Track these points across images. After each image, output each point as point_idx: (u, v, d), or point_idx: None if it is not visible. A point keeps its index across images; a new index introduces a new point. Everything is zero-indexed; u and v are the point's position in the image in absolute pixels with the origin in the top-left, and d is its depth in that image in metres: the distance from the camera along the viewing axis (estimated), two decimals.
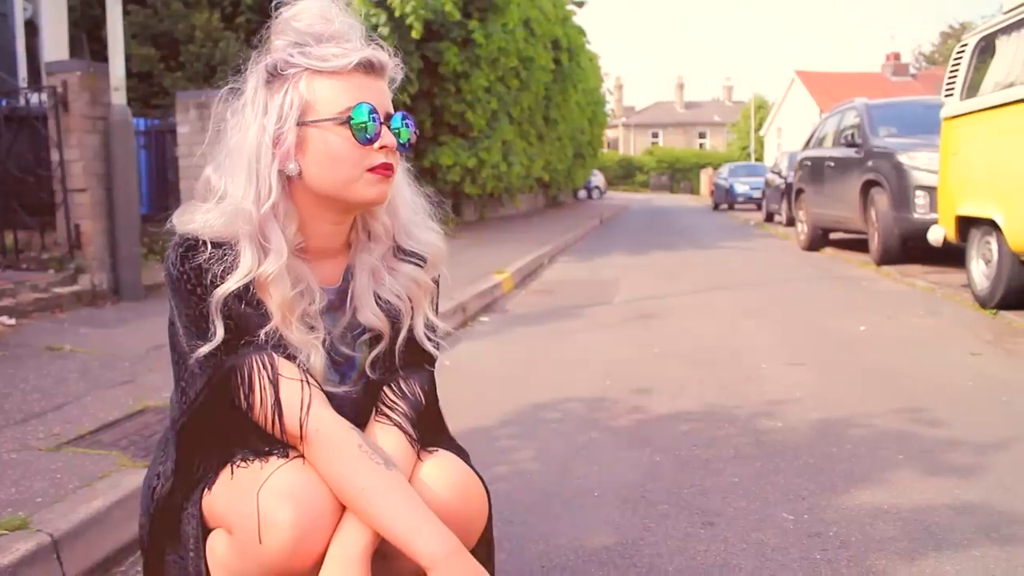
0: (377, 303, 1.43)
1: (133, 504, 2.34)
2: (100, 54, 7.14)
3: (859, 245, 9.91)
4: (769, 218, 17.89)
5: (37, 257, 6.00)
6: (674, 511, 2.50)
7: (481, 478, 1.45)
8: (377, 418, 1.42)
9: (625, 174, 52.75)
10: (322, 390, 1.34)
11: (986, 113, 5.83)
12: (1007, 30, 5.81)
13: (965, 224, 6.15)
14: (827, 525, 2.37)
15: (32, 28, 8.75)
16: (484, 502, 1.43)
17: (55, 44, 8.79)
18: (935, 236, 6.70)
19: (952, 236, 6.38)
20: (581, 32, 21.12)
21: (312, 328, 1.36)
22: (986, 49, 6.17)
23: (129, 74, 7.41)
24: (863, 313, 5.94)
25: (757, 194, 22.68)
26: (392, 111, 1.37)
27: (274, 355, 1.31)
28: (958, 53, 6.58)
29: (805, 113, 33.43)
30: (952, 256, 7.33)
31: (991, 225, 5.63)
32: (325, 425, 1.30)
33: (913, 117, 9.22)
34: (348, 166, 1.32)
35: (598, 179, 36.72)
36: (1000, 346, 4.75)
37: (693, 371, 4.30)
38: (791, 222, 13.49)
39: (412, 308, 1.46)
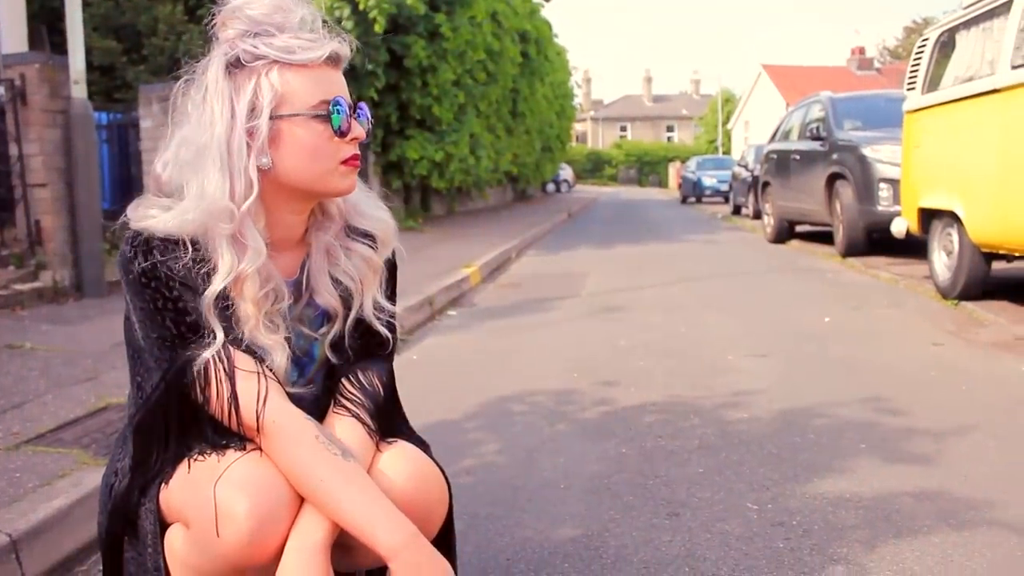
0: (332, 284, 1.42)
1: (94, 503, 2.30)
2: (60, 47, 7.02)
3: (824, 237, 10.01)
4: (736, 211, 18.03)
5: None
6: (639, 502, 2.52)
7: (441, 469, 1.45)
8: (335, 409, 1.41)
9: (593, 168, 52.91)
10: (280, 384, 1.34)
11: (947, 107, 5.91)
12: (967, 25, 5.89)
13: (927, 216, 6.23)
14: (791, 514, 2.39)
15: None
16: (444, 492, 1.43)
17: (13, 36, 8.60)
18: (898, 228, 6.79)
19: (915, 228, 6.46)
20: (548, 25, 21.14)
21: (275, 327, 1.35)
22: (947, 44, 6.25)
23: (91, 67, 7.31)
24: (828, 305, 6.00)
25: (724, 187, 22.84)
26: (351, 102, 1.36)
27: (230, 348, 1.30)
28: (919, 48, 6.65)
29: (771, 106, 33.68)
30: (915, 248, 7.43)
31: (952, 217, 5.71)
32: (282, 417, 1.29)
33: (877, 111, 9.33)
34: (325, 159, 1.32)
35: (566, 173, 36.80)
36: (961, 336, 4.82)
37: (659, 363, 4.32)
38: (758, 215, 13.62)
39: (362, 289, 1.45)
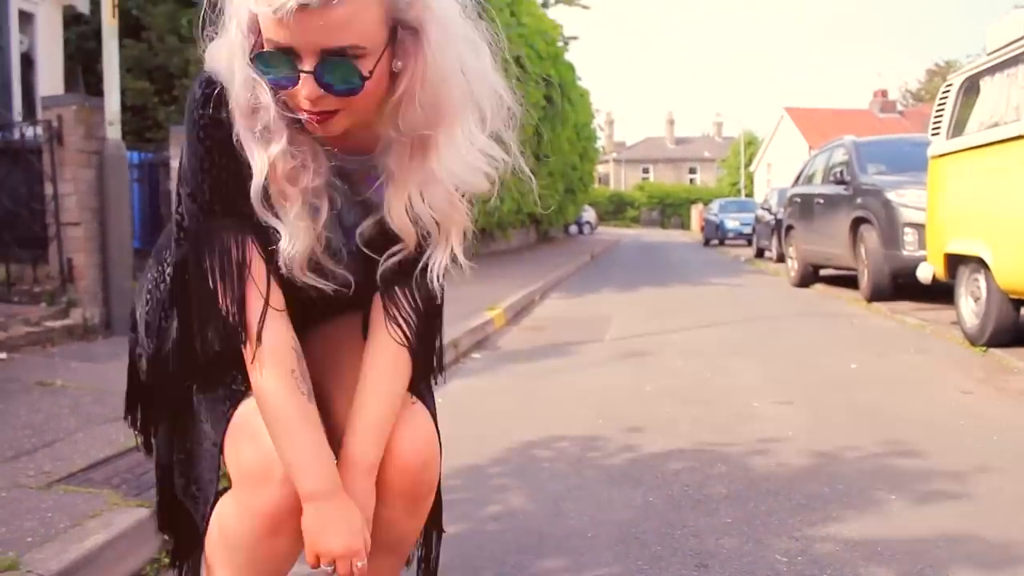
0: (406, 213, 1.37)
1: (125, 544, 2.33)
2: (95, 87, 7.18)
3: (849, 282, 9.97)
4: (759, 254, 17.99)
5: (29, 290, 5.99)
6: (667, 552, 2.50)
7: (437, 430, 1.50)
8: (391, 328, 1.43)
9: (616, 209, 53.04)
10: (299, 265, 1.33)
11: (972, 152, 5.91)
12: (991, 71, 5.91)
13: (953, 262, 6.20)
14: (821, 568, 2.37)
15: (28, 61, 8.80)
16: (436, 452, 1.48)
17: (50, 78, 8.84)
18: (924, 274, 6.76)
19: (941, 274, 6.43)
20: (572, 68, 21.32)
21: (316, 211, 1.31)
22: (971, 89, 6.27)
23: (123, 107, 7.43)
24: (854, 350, 5.96)
25: (747, 230, 22.81)
26: (331, 47, 1.16)
27: (252, 247, 1.32)
28: (943, 93, 6.68)
29: (794, 149, 33.74)
30: (941, 293, 7.38)
31: (979, 263, 5.69)
32: (272, 340, 1.32)
33: (901, 155, 9.32)
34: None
35: (589, 214, 36.88)
36: (991, 384, 4.77)
37: (685, 409, 4.30)
38: (781, 258, 13.57)
39: (440, 233, 1.42)
